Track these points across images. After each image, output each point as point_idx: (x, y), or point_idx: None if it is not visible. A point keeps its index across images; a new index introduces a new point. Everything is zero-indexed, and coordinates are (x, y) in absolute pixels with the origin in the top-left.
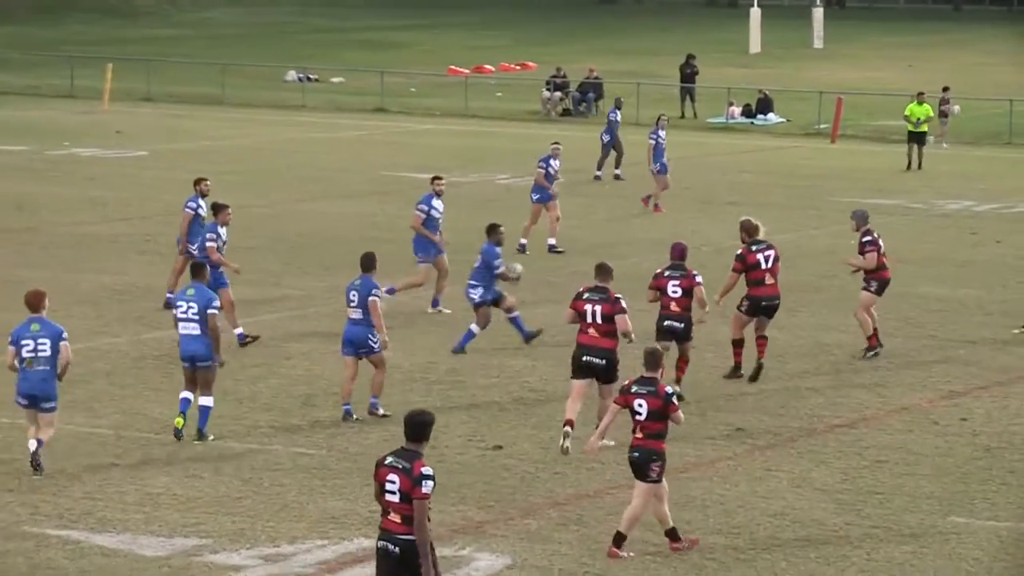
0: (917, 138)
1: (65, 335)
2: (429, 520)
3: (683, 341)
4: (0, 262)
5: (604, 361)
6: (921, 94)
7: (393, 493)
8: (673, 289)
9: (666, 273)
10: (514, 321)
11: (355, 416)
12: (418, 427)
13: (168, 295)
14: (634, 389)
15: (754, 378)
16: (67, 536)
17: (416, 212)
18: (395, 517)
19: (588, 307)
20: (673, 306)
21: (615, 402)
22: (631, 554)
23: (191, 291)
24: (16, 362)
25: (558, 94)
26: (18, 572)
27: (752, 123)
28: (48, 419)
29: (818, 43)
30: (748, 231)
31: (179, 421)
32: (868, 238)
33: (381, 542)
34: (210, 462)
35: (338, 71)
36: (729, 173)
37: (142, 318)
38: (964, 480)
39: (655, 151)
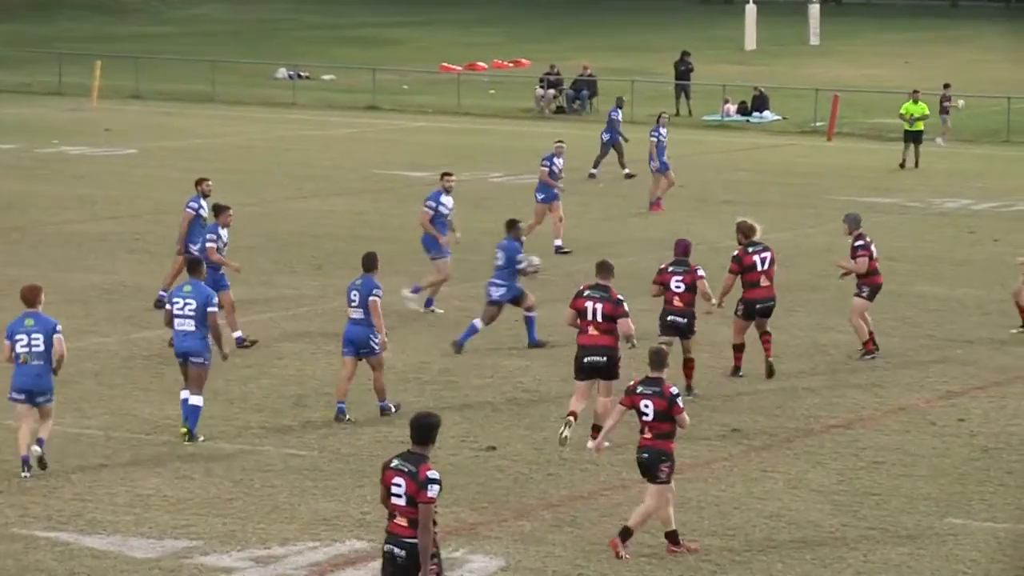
0: (913, 137)
1: (59, 328)
2: (436, 524)
3: (686, 336)
4: None
5: (605, 358)
6: (916, 92)
7: (399, 497)
8: (676, 284)
9: (669, 269)
10: (529, 322)
11: (348, 416)
12: (424, 429)
13: (160, 293)
14: (639, 390)
15: (769, 375)
16: (57, 538)
17: (424, 208)
18: (401, 520)
19: (589, 304)
20: (676, 301)
21: (621, 403)
22: (627, 556)
23: (188, 288)
24: (11, 356)
25: (552, 91)
26: (7, 574)
27: (748, 121)
28: (46, 410)
29: (814, 40)
30: (744, 232)
31: (184, 430)
32: (860, 243)
33: (387, 546)
34: (201, 463)
35: (329, 68)
36: (725, 171)
37: (132, 317)
38: (961, 481)
39: (657, 149)
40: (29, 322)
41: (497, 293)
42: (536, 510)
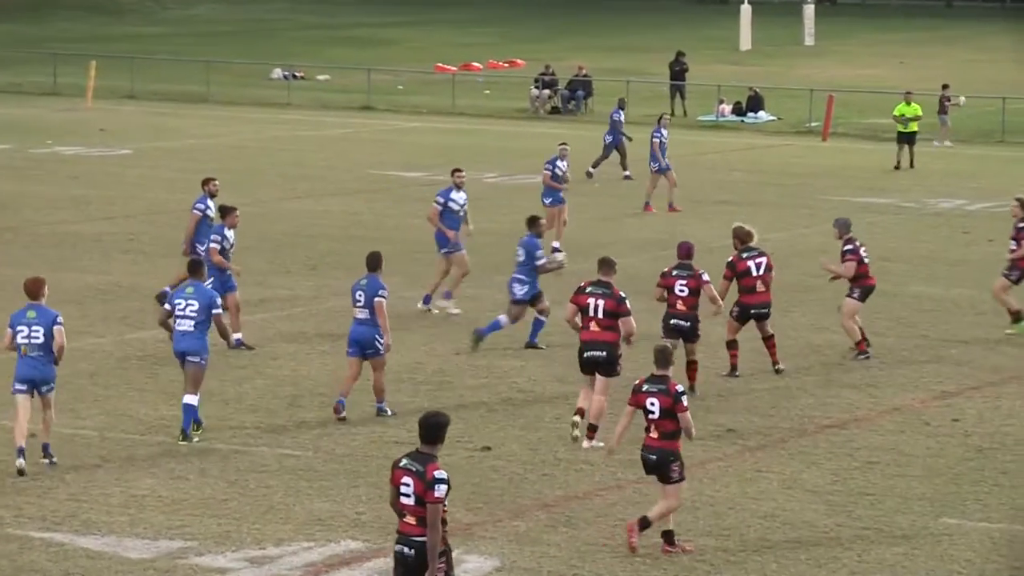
0: (907, 138)
1: (60, 320)
2: (446, 524)
3: (690, 340)
4: None
5: (604, 353)
6: (909, 93)
7: (408, 496)
8: (680, 288)
9: (674, 272)
10: (537, 324)
11: (344, 413)
12: (432, 429)
13: (165, 289)
14: (645, 388)
15: (779, 372)
16: (51, 538)
17: (433, 204)
18: (410, 519)
19: (591, 301)
20: (679, 305)
21: (629, 404)
22: (637, 545)
23: (190, 289)
24: (12, 345)
25: (546, 92)
26: (1, 575)
27: (743, 121)
28: (47, 400)
29: (809, 40)
30: (740, 238)
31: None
32: (849, 247)
33: (398, 546)
34: (195, 464)
35: (324, 68)
36: (720, 171)
37: (126, 318)
38: (956, 481)
39: (659, 150)
40: (31, 314)
41: (521, 291)
42: (531, 510)
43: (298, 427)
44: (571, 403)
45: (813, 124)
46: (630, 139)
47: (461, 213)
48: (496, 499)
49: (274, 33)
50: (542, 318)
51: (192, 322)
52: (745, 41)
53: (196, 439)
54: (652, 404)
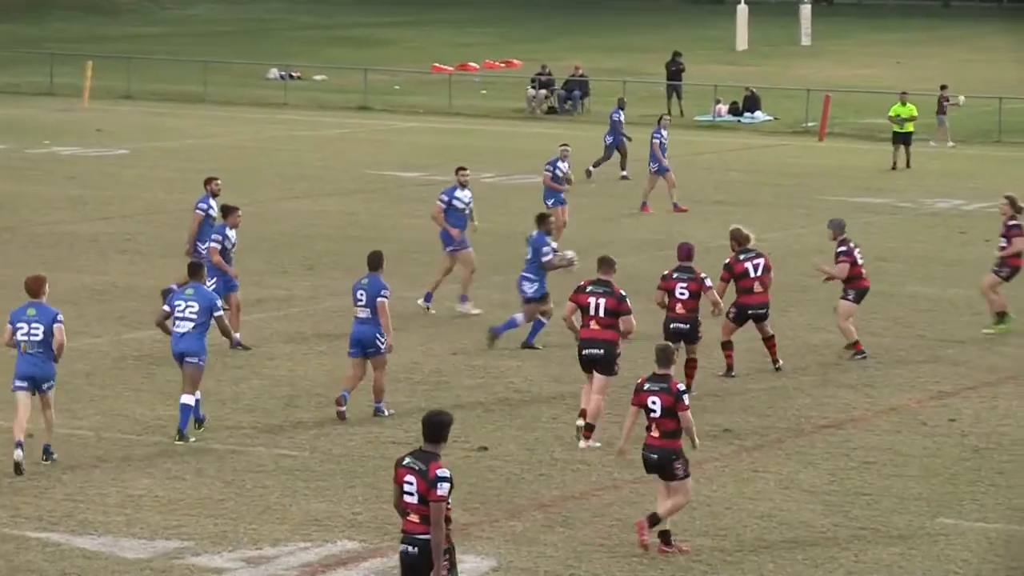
0: (903, 139)
1: (60, 317)
2: (449, 522)
3: (690, 342)
4: None
5: (602, 351)
6: (904, 94)
7: (411, 495)
8: (681, 291)
9: (675, 275)
10: (537, 325)
11: (345, 407)
12: (435, 428)
13: (172, 286)
14: (647, 387)
15: (778, 370)
16: (48, 538)
17: (436, 203)
18: (414, 518)
19: (592, 300)
20: (679, 308)
21: (632, 403)
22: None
23: (190, 291)
24: (11, 342)
25: (543, 92)
26: None
27: (739, 121)
28: (47, 399)
29: (806, 40)
30: (738, 240)
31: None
32: (843, 248)
33: (402, 545)
34: (192, 464)
35: (321, 69)
36: (716, 171)
37: (123, 318)
38: (952, 481)
39: (660, 151)
40: (31, 311)
41: (531, 289)
42: (528, 510)
43: (295, 427)
44: (568, 403)
45: (809, 124)
46: (629, 139)
47: (467, 211)
48: (493, 499)
49: (271, 33)
50: (543, 319)
51: (192, 323)
52: (741, 41)
53: (193, 439)
54: (653, 403)
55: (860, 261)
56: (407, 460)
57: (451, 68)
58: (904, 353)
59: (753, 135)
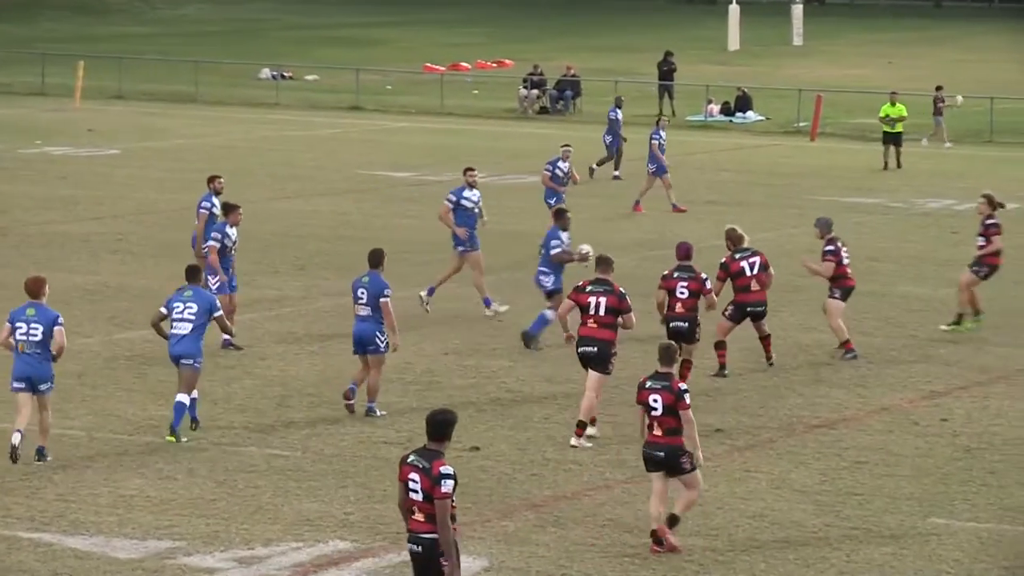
0: (893, 139)
1: (60, 320)
2: (455, 519)
3: (689, 342)
4: None
5: (596, 349)
6: (894, 94)
7: (416, 492)
8: (681, 291)
9: (675, 275)
10: (541, 318)
11: (354, 401)
12: (439, 426)
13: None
14: (648, 384)
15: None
16: (39, 539)
17: (443, 203)
18: (419, 516)
19: (593, 299)
20: (679, 307)
21: (637, 402)
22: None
23: (188, 292)
24: (9, 342)
25: (535, 92)
26: None
27: (731, 121)
28: (44, 401)
29: (797, 40)
30: (733, 240)
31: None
32: (830, 247)
33: (409, 544)
34: (184, 464)
35: (313, 68)
36: (708, 171)
37: (114, 318)
38: (944, 481)
39: (659, 152)
40: (31, 311)
41: (549, 282)
42: (520, 510)
43: (287, 427)
44: (560, 403)
45: (801, 124)
46: (624, 139)
47: (476, 211)
48: (485, 499)
49: (262, 33)
50: (547, 313)
51: (190, 325)
52: (733, 41)
53: (185, 439)
54: (655, 400)
55: (847, 260)
56: (411, 458)
57: (443, 68)
58: (896, 353)
59: (745, 135)
